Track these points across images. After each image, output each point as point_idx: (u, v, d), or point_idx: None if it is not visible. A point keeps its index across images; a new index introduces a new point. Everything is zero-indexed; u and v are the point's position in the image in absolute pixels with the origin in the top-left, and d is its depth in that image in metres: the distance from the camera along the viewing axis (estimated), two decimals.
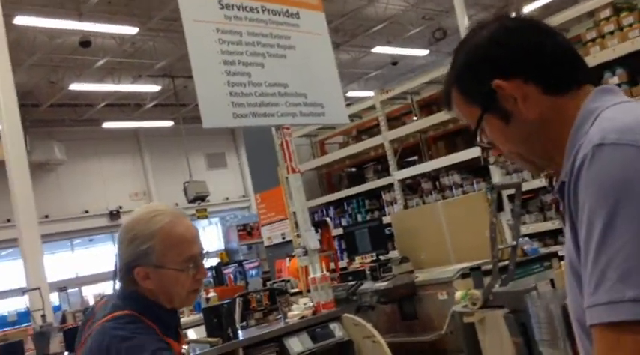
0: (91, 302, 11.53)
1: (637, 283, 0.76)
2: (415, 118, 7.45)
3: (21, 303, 7.96)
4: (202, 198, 13.70)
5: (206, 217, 16.56)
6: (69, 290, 16.68)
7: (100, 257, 16.79)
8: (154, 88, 15.89)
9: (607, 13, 5.35)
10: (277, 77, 4.06)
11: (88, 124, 17.01)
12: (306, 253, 3.96)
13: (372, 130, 7.96)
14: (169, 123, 17.50)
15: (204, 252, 1.61)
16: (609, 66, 5.33)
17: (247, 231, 13.92)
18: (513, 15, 1.07)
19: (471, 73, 1.05)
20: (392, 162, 7.17)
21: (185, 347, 1.73)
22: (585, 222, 0.84)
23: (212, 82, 3.70)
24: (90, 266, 16.93)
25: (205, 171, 18.67)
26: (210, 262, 15.72)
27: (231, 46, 3.84)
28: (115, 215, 17.46)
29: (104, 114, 16.77)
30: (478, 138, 1.10)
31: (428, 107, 7.41)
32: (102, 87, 15.25)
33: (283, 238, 7.54)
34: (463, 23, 6.70)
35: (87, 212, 17.12)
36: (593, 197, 0.83)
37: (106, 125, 16.95)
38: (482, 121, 1.06)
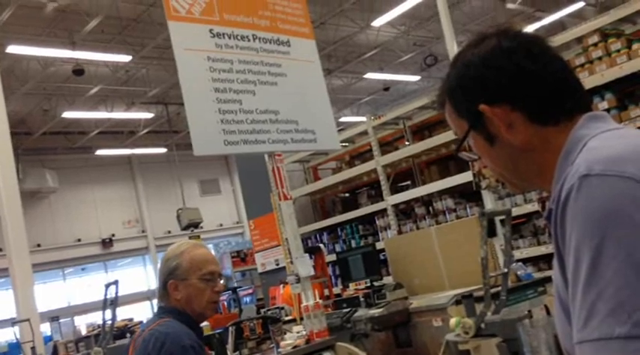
0: (84, 332, 11.33)
1: (626, 319, 0.75)
2: (407, 143, 7.48)
3: (12, 334, 7.82)
4: (196, 225, 13.64)
5: None
6: (61, 320, 16.43)
7: (93, 286, 16.60)
8: (147, 115, 15.94)
9: (595, 39, 5.42)
10: (268, 104, 4.07)
11: (80, 152, 17.00)
12: (298, 280, 3.92)
13: (365, 155, 7.98)
14: (162, 150, 17.51)
15: (222, 274, 2.04)
16: (598, 91, 5.38)
17: (241, 257, 13.85)
18: (512, 32, 1.05)
19: (461, 90, 1.05)
20: (385, 187, 7.17)
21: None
22: (573, 255, 0.83)
23: (203, 109, 3.71)
24: (82, 295, 16.73)
25: (199, 197, 18.64)
26: None
27: (222, 73, 3.86)
28: (107, 243, 17.35)
29: (97, 141, 16.78)
30: (464, 152, 1.10)
31: (420, 132, 7.44)
32: (95, 114, 15.28)
33: (277, 264, 7.49)
34: (453, 49, 6.77)
35: (79, 240, 17.00)
36: (580, 229, 0.82)
37: (99, 152, 16.95)
38: (467, 137, 1.06)
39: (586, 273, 0.79)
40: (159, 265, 2.08)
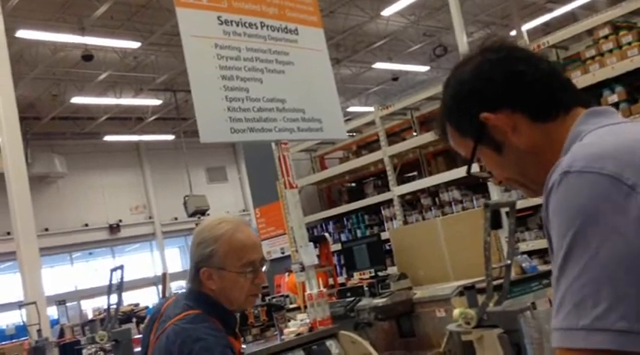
0: (90, 316, 11.45)
1: (588, 313, 0.79)
2: (415, 134, 7.45)
3: (19, 317, 7.91)
4: (202, 212, 13.68)
5: None
6: (67, 304, 16.60)
7: (100, 270, 16.75)
8: (156, 101, 15.97)
9: (606, 31, 5.37)
10: (275, 92, 4.06)
11: (89, 138, 17.07)
12: (303, 269, 3.94)
13: (372, 146, 7.97)
14: (170, 137, 17.56)
15: (264, 259, 1.77)
16: (609, 84, 5.34)
17: None
18: (496, 44, 1.09)
19: (460, 108, 1.08)
20: (391, 177, 7.17)
21: (244, 346, 1.88)
22: (554, 248, 0.87)
23: (210, 97, 3.71)
24: (89, 279, 16.88)
25: (206, 184, 18.70)
26: None
27: (229, 61, 3.85)
28: (114, 228, 17.47)
29: (105, 127, 16.84)
30: (474, 169, 1.12)
31: (427, 123, 7.41)
32: (103, 100, 15.33)
33: (282, 253, 7.53)
34: (462, 40, 6.72)
35: (87, 225, 17.12)
36: (557, 224, 0.86)
37: (107, 138, 17.02)
38: (475, 153, 1.08)
39: (559, 267, 0.84)
40: (191, 242, 1.78)
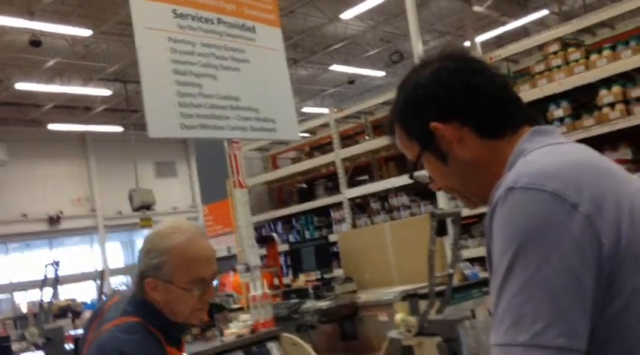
0: (24, 310, 11.03)
1: (527, 329, 0.80)
2: (368, 138, 7.51)
3: None
4: (148, 207, 13.41)
5: (151, 226, 16.20)
6: (0, 296, 15.94)
7: (37, 263, 16.17)
8: (105, 91, 15.53)
9: (555, 47, 5.54)
10: (229, 90, 4.01)
11: (32, 125, 16.46)
12: (248, 269, 3.90)
13: (325, 148, 7.98)
14: (119, 129, 17.10)
15: (217, 273, 1.67)
16: (555, 99, 5.50)
17: None
18: (455, 53, 1.10)
19: (412, 111, 1.08)
20: (343, 180, 7.19)
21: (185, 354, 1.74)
22: (495, 263, 0.87)
23: (161, 91, 3.63)
24: (25, 272, 16.26)
25: (154, 179, 18.32)
26: None
27: (183, 55, 3.77)
28: (54, 220, 16.91)
29: (50, 115, 16.27)
30: (418, 173, 1.12)
31: (381, 128, 7.48)
32: (50, 88, 14.79)
33: (229, 252, 7.43)
34: (418, 48, 6.81)
35: (25, 216, 16.49)
36: (501, 238, 0.86)
37: (52, 127, 16.43)
38: (420, 158, 1.09)
39: (500, 282, 0.85)
40: (141, 247, 1.67)
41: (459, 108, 1.03)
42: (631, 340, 0.82)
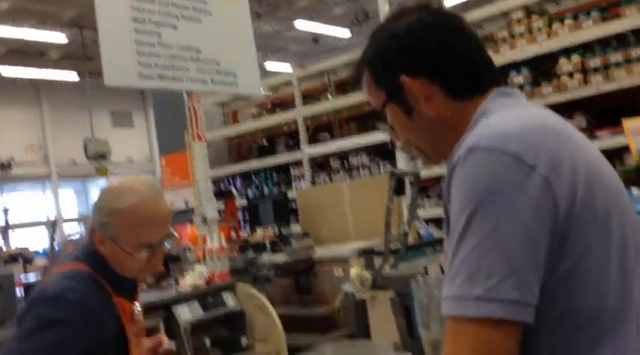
0: None
1: (482, 283, 0.82)
2: (330, 97, 7.48)
3: None
4: (103, 157, 13.12)
5: (106, 175, 15.89)
6: None
7: None
8: (60, 37, 14.90)
9: (519, 14, 5.57)
10: (190, 41, 3.92)
11: None
12: (205, 222, 3.89)
13: (287, 105, 7.92)
14: (74, 76, 16.51)
15: (168, 236, 1.61)
16: (516, 66, 5.58)
17: None
18: (434, 6, 1.08)
19: (383, 61, 1.06)
20: (303, 138, 7.18)
21: (138, 306, 1.69)
22: (453, 221, 0.89)
23: (119, 39, 3.52)
24: None
25: (110, 128, 17.87)
26: None
27: (142, 2, 3.65)
28: (5, 166, 16.38)
29: (2, 59, 15.55)
30: (381, 123, 1.12)
31: (343, 87, 7.45)
32: (1, 31, 14.08)
33: (186, 205, 7.38)
34: (384, 9, 6.75)
35: None
36: (460, 197, 0.88)
37: (4, 72, 15.72)
38: (385, 108, 1.08)
39: (457, 239, 0.86)
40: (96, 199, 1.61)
41: (431, 64, 1.02)
42: (574, 300, 0.86)
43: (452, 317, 0.85)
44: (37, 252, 9.29)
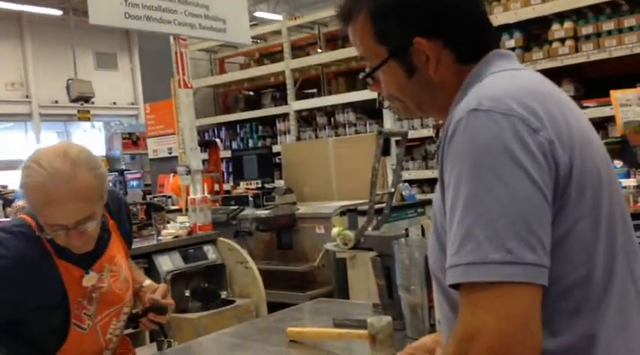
0: None
1: (500, 246, 0.79)
2: (320, 51, 7.36)
3: None
4: (86, 99, 12.88)
5: (89, 119, 15.66)
6: None
7: None
8: None
9: None
10: None
11: None
12: (189, 172, 3.86)
13: (275, 56, 7.78)
14: (57, 12, 16.00)
15: (80, 223, 1.45)
16: (508, 28, 5.52)
17: (133, 140, 13.39)
18: None
19: (395, 15, 1.00)
20: (290, 91, 7.09)
21: (92, 278, 1.57)
22: (453, 184, 0.86)
23: None
24: None
25: (93, 70, 17.47)
26: None
27: None
28: None
29: None
30: (368, 76, 1.07)
31: (334, 41, 7.33)
32: None
33: (170, 153, 7.32)
34: None
35: None
36: (463, 160, 0.85)
37: None
38: (383, 64, 1.03)
39: (464, 202, 0.83)
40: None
41: (445, 28, 0.98)
42: (562, 268, 0.85)
43: (468, 284, 0.81)
44: (14, 192, 9.21)
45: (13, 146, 16.92)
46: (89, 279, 1.57)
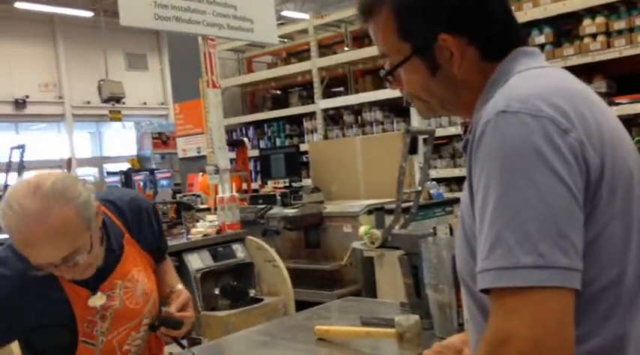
0: None
1: (531, 250, 0.78)
2: (346, 49, 7.35)
3: None
4: (117, 99, 13.11)
5: (120, 120, 15.96)
6: None
7: (2, 147, 15.88)
8: None
9: None
10: None
11: None
12: (217, 171, 3.90)
13: (302, 55, 7.80)
14: (89, 14, 16.30)
15: (68, 261, 1.38)
16: (538, 24, 5.43)
17: (162, 139, 13.57)
18: None
19: (420, 11, 0.98)
20: (317, 90, 7.10)
21: (99, 299, 1.53)
22: (483, 187, 0.84)
23: None
24: None
25: (124, 71, 17.78)
26: (120, 167, 15.28)
27: None
28: (20, 104, 16.45)
29: None
30: (388, 74, 1.05)
31: (360, 39, 7.31)
32: None
33: (199, 152, 7.41)
34: None
35: None
36: (493, 163, 0.83)
37: (19, 5, 15.55)
38: (406, 61, 1.01)
39: (494, 205, 0.81)
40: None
41: (471, 25, 0.97)
42: (594, 269, 0.84)
43: (499, 289, 0.79)
44: None
45: (46, 146, 17.31)
46: (95, 300, 1.52)
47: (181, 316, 1.64)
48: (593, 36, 5.14)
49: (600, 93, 5.20)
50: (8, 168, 3.87)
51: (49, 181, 1.36)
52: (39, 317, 1.48)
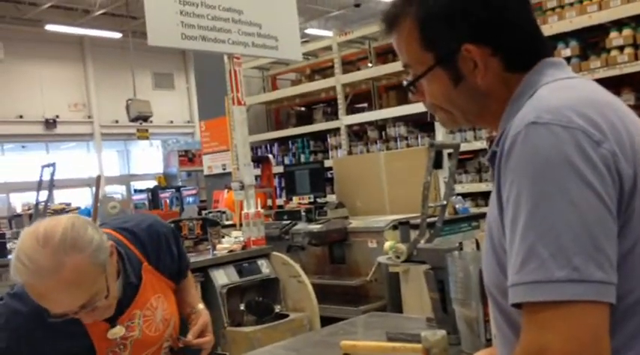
0: (18, 210, 11.20)
1: (565, 264, 0.77)
2: (370, 65, 7.38)
3: None
4: (145, 118, 13.32)
5: (147, 138, 16.20)
6: None
7: (33, 165, 16.23)
8: None
9: None
10: (232, 2, 3.91)
11: (30, 24, 16.02)
12: (242, 187, 3.93)
13: (326, 71, 7.85)
14: (117, 35, 16.69)
15: (85, 308, 1.37)
16: (564, 37, 5.39)
17: (189, 157, 13.75)
18: None
19: (444, 21, 0.97)
20: (341, 106, 7.13)
21: (119, 330, 1.53)
22: (513, 200, 0.83)
23: None
24: (21, 173, 16.35)
25: (151, 90, 18.10)
26: (147, 184, 15.47)
27: None
28: (51, 123, 16.83)
29: (48, 16, 15.80)
30: (411, 85, 1.05)
31: (384, 55, 7.34)
32: None
33: (224, 169, 7.49)
34: None
35: (21, 117, 16.40)
36: (524, 176, 0.82)
37: (49, 27, 16.00)
38: (429, 72, 1.01)
39: (526, 218, 0.80)
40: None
41: (495, 35, 0.96)
42: (631, 281, 0.82)
43: (532, 303, 0.78)
44: (79, 208, 9.59)
45: (75, 165, 17.66)
46: (115, 333, 1.52)
47: (198, 343, 1.64)
48: (621, 48, 5.08)
49: (629, 106, 5.16)
50: (39, 186, 3.97)
51: (58, 232, 1.32)
52: (57, 351, 1.48)
